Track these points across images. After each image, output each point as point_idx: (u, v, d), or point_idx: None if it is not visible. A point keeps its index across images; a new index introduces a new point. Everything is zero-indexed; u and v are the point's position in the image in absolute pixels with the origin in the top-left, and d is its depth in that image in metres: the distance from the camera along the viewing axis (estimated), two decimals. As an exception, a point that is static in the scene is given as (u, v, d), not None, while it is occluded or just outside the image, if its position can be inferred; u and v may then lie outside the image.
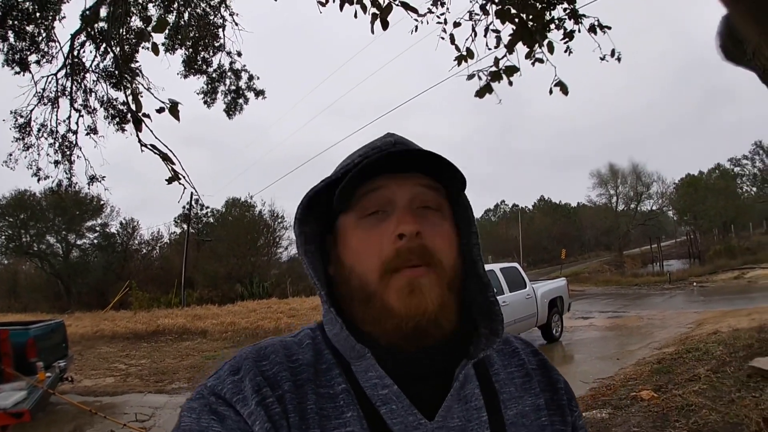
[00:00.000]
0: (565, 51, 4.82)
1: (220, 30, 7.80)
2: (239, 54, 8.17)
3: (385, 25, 4.44)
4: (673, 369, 7.48)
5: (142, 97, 5.62)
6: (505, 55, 4.65)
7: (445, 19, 5.06)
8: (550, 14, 4.57)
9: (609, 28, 4.62)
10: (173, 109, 4.16)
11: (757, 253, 31.37)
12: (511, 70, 4.65)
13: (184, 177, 4.81)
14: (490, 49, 4.81)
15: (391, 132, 0.88)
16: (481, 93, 4.66)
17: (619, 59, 4.86)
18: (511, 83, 4.71)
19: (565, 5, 4.60)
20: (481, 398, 0.82)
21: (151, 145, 4.69)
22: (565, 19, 4.64)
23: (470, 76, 4.72)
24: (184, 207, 34.25)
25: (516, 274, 11.50)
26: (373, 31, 4.77)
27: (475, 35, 4.89)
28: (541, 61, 4.68)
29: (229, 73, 8.25)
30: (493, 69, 4.69)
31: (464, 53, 4.85)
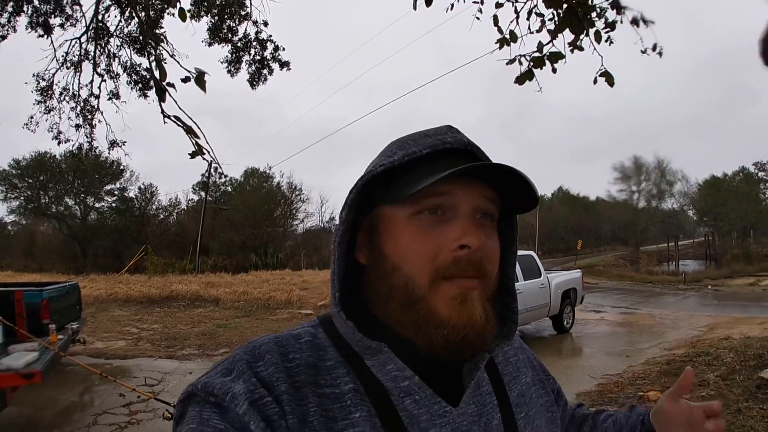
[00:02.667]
0: (606, 41, 4.67)
1: (247, -1, 7.75)
2: (265, 24, 8.12)
3: (428, 1, 4.31)
4: (681, 371, 7.40)
5: (166, 64, 5.60)
6: (550, 41, 4.53)
7: (482, 0, 4.91)
8: (592, 2, 4.45)
9: (653, 22, 4.46)
10: (200, 79, 4.07)
11: (775, 260, 31.04)
12: (556, 57, 4.51)
13: (208, 152, 4.73)
14: (532, 32, 4.66)
15: (450, 125, 0.84)
16: (521, 79, 4.56)
17: (660, 54, 4.70)
18: (555, 70, 4.59)
19: None
20: (489, 383, 0.87)
21: (174, 117, 4.62)
22: (607, 8, 4.49)
23: (511, 61, 4.61)
24: (202, 175, 34.59)
25: (532, 262, 11.42)
26: (415, 7, 4.67)
27: (518, 17, 4.74)
28: (581, 48, 4.55)
29: (254, 43, 8.18)
30: (537, 54, 4.56)
31: (507, 36, 4.70)
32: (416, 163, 0.77)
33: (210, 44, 8.09)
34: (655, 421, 0.98)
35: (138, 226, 36.95)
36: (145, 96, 7.90)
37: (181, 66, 5.03)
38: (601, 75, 4.51)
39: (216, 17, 7.92)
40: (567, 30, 4.39)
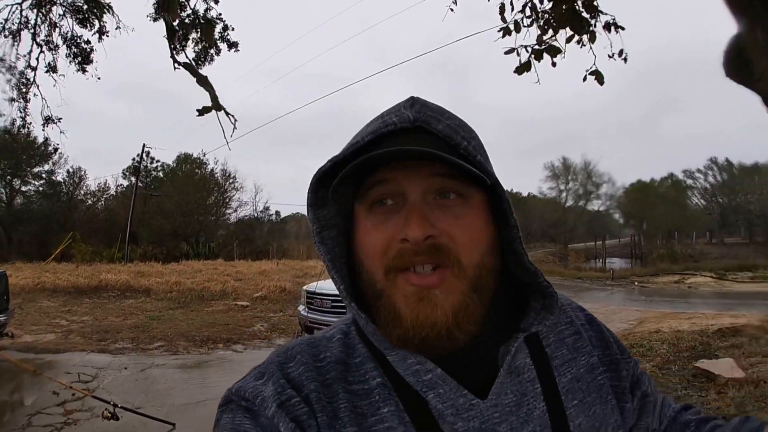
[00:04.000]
0: (578, 42, 4.77)
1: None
2: (216, 1, 7.78)
3: None
4: None
5: (108, 37, 5.26)
6: (553, 35, 4.61)
7: None
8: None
9: (623, 28, 4.62)
10: (209, 27, 3.74)
11: (699, 261, 32.79)
12: (555, 51, 4.57)
13: (224, 108, 4.34)
14: (525, 26, 4.72)
15: (415, 97, 0.77)
16: (520, 70, 4.61)
17: (625, 60, 4.87)
18: (554, 64, 4.64)
19: None
20: (533, 369, 0.78)
21: (185, 64, 4.26)
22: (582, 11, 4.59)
23: (509, 51, 4.65)
24: (134, 159, 33.42)
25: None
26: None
27: (512, 9, 4.78)
28: (559, 51, 4.65)
29: (202, 20, 7.84)
30: (536, 47, 4.62)
31: (511, 26, 4.72)
32: (362, 152, 0.72)
33: (155, 19, 7.71)
34: None
35: (65, 212, 35.31)
36: (84, 71, 7.45)
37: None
38: (591, 73, 4.59)
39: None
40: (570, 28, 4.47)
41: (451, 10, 5.05)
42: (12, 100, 7.32)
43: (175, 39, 4.14)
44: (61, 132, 7.85)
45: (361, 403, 0.71)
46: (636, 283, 24.89)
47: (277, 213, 46.10)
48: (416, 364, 0.71)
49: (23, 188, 35.94)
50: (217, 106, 4.28)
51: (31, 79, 7.15)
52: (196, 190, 37.86)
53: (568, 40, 4.57)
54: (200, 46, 8.01)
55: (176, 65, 4.38)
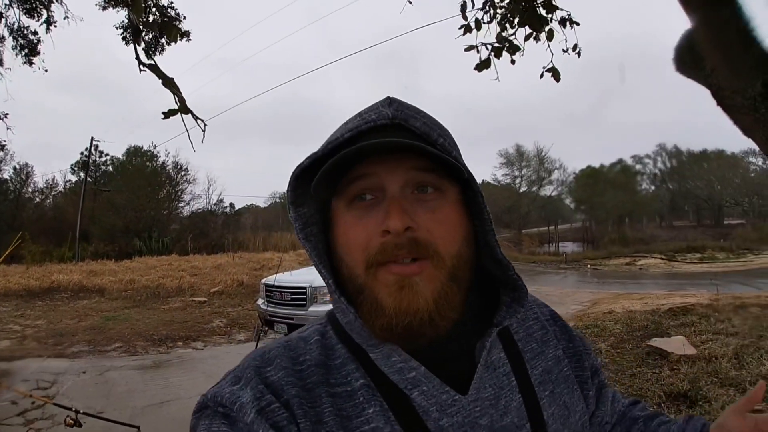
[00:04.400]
0: (535, 39, 4.89)
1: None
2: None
3: None
4: None
5: (56, 27, 5.12)
6: (513, 34, 4.72)
7: None
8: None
9: (578, 24, 4.74)
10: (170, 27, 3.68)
11: (650, 243, 33.95)
12: (514, 49, 4.69)
13: (191, 111, 4.24)
14: (485, 23, 4.81)
15: (392, 97, 0.79)
16: (480, 67, 4.67)
17: (579, 54, 4.99)
18: (513, 62, 4.74)
19: None
20: (508, 363, 0.82)
21: (150, 65, 4.16)
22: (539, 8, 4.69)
23: (469, 48, 4.72)
24: (82, 153, 32.52)
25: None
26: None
27: (473, 6, 4.85)
28: (518, 48, 4.77)
29: (153, 9, 7.66)
30: (497, 45, 4.70)
31: (472, 24, 4.78)
32: (341, 148, 0.72)
33: (104, 8, 7.48)
34: None
35: (12, 211, 34.04)
36: (31, 63, 7.24)
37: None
38: (548, 70, 4.72)
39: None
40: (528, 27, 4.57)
41: (410, 2, 5.09)
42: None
43: (140, 39, 4.04)
44: (8, 128, 7.60)
45: (345, 405, 0.72)
46: (589, 265, 25.57)
47: (231, 205, 45.45)
48: (400, 362, 0.73)
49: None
50: (184, 109, 4.17)
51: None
52: (148, 183, 36.75)
53: (527, 37, 4.69)
54: (150, 36, 7.85)
55: (141, 67, 4.27)
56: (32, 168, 36.88)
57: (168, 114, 3.97)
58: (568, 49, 4.91)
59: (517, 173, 51.19)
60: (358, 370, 0.75)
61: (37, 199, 37.37)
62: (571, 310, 11.99)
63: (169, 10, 7.65)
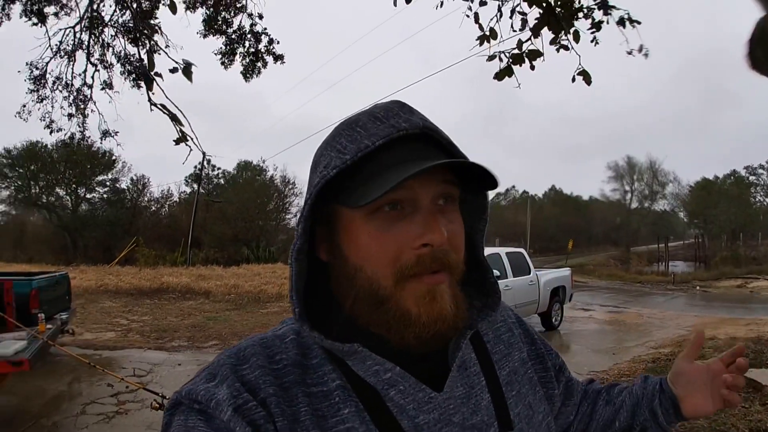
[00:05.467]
0: (592, 41, 4.69)
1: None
2: (260, 16, 8.06)
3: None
4: (666, 369, 7.21)
5: (159, 55, 5.63)
6: (529, 39, 4.52)
7: None
8: (579, 2, 4.44)
9: (639, 22, 4.48)
10: (187, 70, 4.13)
11: (763, 264, 31.21)
12: (534, 54, 4.49)
13: (192, 139, 4.78)
14: (515, 31, 4.66)
15: (401, 102, 0.79)
16: (500, 75, 4.53)
17: (646, 55, 4.74)
18: (533, 67, 4.57)
19: None
20: (477, 363, 0.85)
21: (161, 105, 4.67)
22: (594, 8, 4.50)
23: (491, 57, 4.58)
24: (195, 167, 34.38)
25: (521, 259, 11.47)
26: (395, 4, 4.67)
27: (501, 15, 4.73)
28: (566, 48, 4.56)
29: (248, 35, 8.16)
30: (516, 52, 4.55)
31: (487, 33, 4.67)
32: (369, 156, 0.72)
33: (205, 36, 8.07)
34: (674, 384, 0.98)
35: (129, 218, 36.67)
36: (138, 86, 7.85)
37: (169, 57, 5.08)
38: (579, 74, 4.51)
39: (212, 9, 7.92)
40: (547, 29, 4.39)
41: (467, 16, 4.89)
42: (70, 115, 7.80)
43: (152, 86, 4.53)
44: (117, 144, 8.28)
45: (321, 405, 0.72)
46: (697, 287, 24.03)
47: (337, 216, 46.45)
48: (375, 365, 0.74)
49: (88, 196, 37.67)
50: (184, 139, 4.71)
51: (89, 96, 7.58)
52: (257, 196, 38.44)
53: (552, 41, 4.52)
54: (248, 60, 8.37)
55: (152, 106, 4.78)
56: (148, 179, 39.41)
57: (178, 141, 4.69)
58: (632, 50, 4.67)
59: (627, 188, 48.56)
60: (335, 371, 0.75)
61: (153, 208, 39.94)
62: (672, 335, 11.39)
63: (263, 36, 8.16)
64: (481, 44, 4.70)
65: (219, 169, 40.04)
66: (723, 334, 10.29)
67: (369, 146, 0.71)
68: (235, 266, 25.19)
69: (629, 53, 4.67)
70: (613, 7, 4.45)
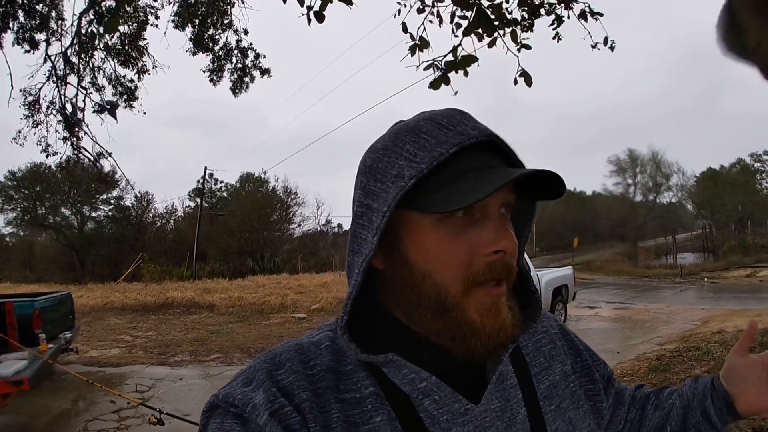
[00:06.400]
0: (554, 38, 4.65)
1: (229, 8, 7.82)
2: (246, 32, 8.19)
3: (320, 18, 3.82)
4: (670, 368, 7.40)
5: (149, 75, 5.69)
6: (460, 44, 4.40)
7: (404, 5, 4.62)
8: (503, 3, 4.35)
9: (601, 14, 4.41)
10: (112, 110, 4.19)
11: (772, 251, 30.95)
12: (468, 60, 4.31)
13: (114, 176, 4.95)
14: (456, 36, 4.47)
15: (460, 110, 0.78)
16: (435, 84, 4.31)
17: (612, 48, 4.68)
18: (467, 74, 4.40)
19: None
20: (514, 376, 0.83)
21: (83, 148, 4.78)
22: (555, 4, 4.44)
23: (427, 67, 4.40)
24: (198, 181, 34.54)
25: (519, 259, 11.41)
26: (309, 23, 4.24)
27: (441, 22, 4.58)
28: (528, 47, 4.42)
29: (235, 51, 8.26)
30: (450, 59, 4.39)
31: (418, 42, 4.45)
32: (442, 163, 0.71)
33: (194, 53, 8.16)
34: (726, 381, 0.93)
35: (135, 234, 36.75)
36: (131, 107, 7.98)
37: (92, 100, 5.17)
38: (520, 75, 4.39)
39: (199, 27, 8.00)
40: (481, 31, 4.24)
41: (431, 22, 4.71)
42: (65, 139, 7.88)
43: (74, 131, 4.71)
44: (112, 164, 8.42)
45: (353, 412, 0.72)
46: (705, 279, 23.87)
47: (339, 225, 46.51)
48: (411, 373, 0.73)
49: (93, 214, 37.78)
50: (104, 180, 4.95)
51: (81, 119, 7.68)
52: (260, 207, 38.49)
53: (490, 45, 4.37)
54: (236, 75, 8.47)
55: (75, 151, 4.95)
56: (152, 195, 39.40)
57: (100, 180, 4.78)
58: (597, 44, 4.62)
59: (630, 181, 48.05)
60: (368, 378, 0.74)
61: (158, 224, 39.97)
62: (679, 329, 11.31)
63: (249, 51, 8.26)
64: (412, 54, 4.48)
65: (222, 182, 40.20)
66: (731, 327, 10.20)
67: (443, 154, 0.71)
68: (240, 278, 25.29)
69: (594, 47, 4.64)
70: (574, 0, 4.39)
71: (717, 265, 28.73)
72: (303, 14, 3.68)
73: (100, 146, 7.85)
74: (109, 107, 4.28)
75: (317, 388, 0.72)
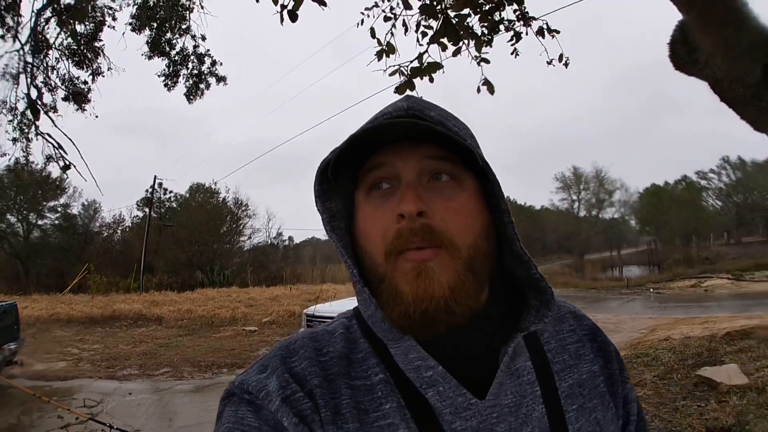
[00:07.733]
0: (512, 53, 4.75)
1: (188, 12, 7.69)
2: (203, 38, 8.08)
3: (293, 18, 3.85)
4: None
5: (103, 77, 5.54)
6: (426, 51, 4.48)
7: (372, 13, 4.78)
8: (498, 16, 4.49)
9: (558, 32, 4.56)
10: (78, 98, 4.13)
11: (716, 263, 32.00)
12: (434, 67, 4.40)
13: (74, 165, 4.85)
14: (420, 44, 4.57)
15: (410, 95, 0.81)
16: (401, 89, 4.38)
17: (566, 64, 4.81)
18: (432, 80, 4.49)
19: (515, 6, 4.50)
20: (533, 371, 0.79)
21: (47, 134, 4.68)
22: (514, 20, 4.54)
23: (393, 72, 4.49)
24: (146, 190, 33.78)
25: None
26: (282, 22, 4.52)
27: (407, 30, 4.68)
28: (487, 61, 4.55)
29: (192, 57, 8.13)
30: (415, 65, 4.46)
31: (385, 48, 4.55)
32: (362, 144, 0.73)
33: (150, 57, 7.99)
34: None
35: (81, 244, 35.61)
36: (83, 110, 7.74)
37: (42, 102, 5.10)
38: (483, 84, 4.53)
39: (156, 30, 7.84)
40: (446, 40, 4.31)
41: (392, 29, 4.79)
42: (14, 140, 7.58)
43: (39, 116, 4.70)
44: (61, 167, 8.17)
45: (363, 398, 0.72)
46: (651, 290, 24.51)
47: (290, 238, 46.03)
48: (418, 359, 0.73)
49: (39, 222, 36.30)
50: (67, 167, 4.97)
51: (32, 120, 7.42)
52: (210, 218, 37.79)
53: (455, 53, 4.50)
54: (191, 81, 8.32)
55: (37, 136, 4.95)
56: (99, 204, 38.38)
57: (63, 169, 5.10)
58: (552, 60, 4.76)
59: (575, 197, 49.24)
60: (379, 365, 0.75)
61: (105, 234, 38.81)
62: (627, 338, 11.53)
63: (206, 58, 8.13)
64: (379, 59, 4.55)
65: (171, 192, 39.35)
66: (678, 334, 10.39)
67: (357, 134, 0.72)
68: (189, 291, 24.93)
69: (549, 63, 4.77)
70: (533, 18, 4.52)
71: (662, 276, 29.68)
72: (277, 12, 3.67)
73: (56, 145, 7.62)
74: (76, 95, 4.18)
75: (329, 375, 0.74)
